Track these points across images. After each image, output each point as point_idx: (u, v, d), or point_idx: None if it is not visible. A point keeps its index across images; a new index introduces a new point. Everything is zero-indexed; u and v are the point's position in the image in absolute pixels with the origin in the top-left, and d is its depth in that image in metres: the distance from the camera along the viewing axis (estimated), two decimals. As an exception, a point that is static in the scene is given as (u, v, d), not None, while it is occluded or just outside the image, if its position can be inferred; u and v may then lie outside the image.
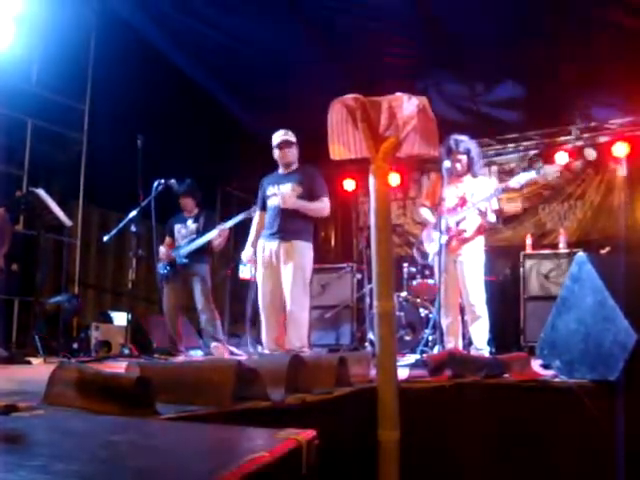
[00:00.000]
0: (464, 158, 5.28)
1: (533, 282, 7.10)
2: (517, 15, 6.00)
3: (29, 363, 4.52)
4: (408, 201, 9.55)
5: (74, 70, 6.89)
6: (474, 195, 5.23)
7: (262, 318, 5.21)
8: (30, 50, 6.46)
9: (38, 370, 3.90)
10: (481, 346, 5.11)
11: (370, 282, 6.90)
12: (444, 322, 5.17)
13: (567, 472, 2.93)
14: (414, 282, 7.19)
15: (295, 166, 5.31)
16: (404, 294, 7.06)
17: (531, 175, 5.41)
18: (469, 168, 5.33)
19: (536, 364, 3.55)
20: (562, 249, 7.36)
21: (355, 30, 6.53)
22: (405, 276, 7.26)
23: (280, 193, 5.15)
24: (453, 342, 5.17)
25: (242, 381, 2.20)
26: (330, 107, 2.41)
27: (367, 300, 7.21)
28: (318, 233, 5.52)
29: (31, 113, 6.63)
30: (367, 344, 6.90)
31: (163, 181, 5.67)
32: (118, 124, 6.62)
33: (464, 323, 5.43)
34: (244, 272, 8.24)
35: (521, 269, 7.22)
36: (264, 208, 5.35)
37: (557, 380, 3.20)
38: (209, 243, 6.02)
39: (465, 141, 5.31)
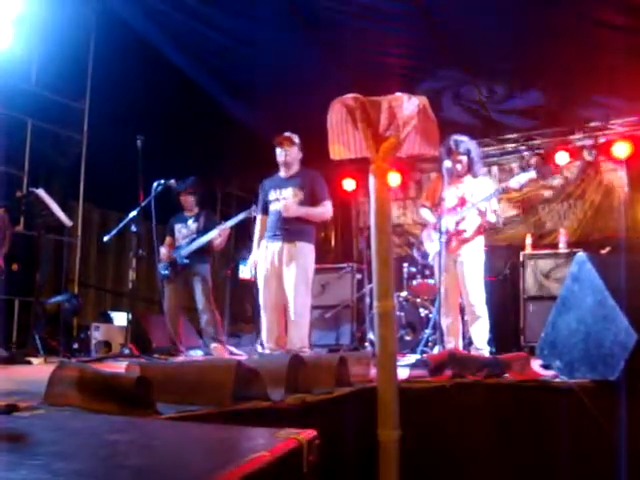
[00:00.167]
0: (464, 158, 5.28)
1: (533, 282, 7.10)
2: (516, 14, 6.00)
3: (29, 363, 4.53)
4: (408, 201, 9.54)
5: (74, 70, 6.89)
6: (474, 195, 5.23)
7: (263, 318, 5.23)
8: (30, 50, 6.47)
9: (38, 370, 3.90)
10: (481, 346, 5.11)
11: (370, 282, 6.90)
12: (444, 322, 5.17)
13: (568, 472, 2.93)
14: (414, 282, 7.18)
15: (296, 169, 5.32)
16: (404, 294, 7.06)
17: (531, 175, 5.41)
18: (469, 168, 5.33)
19: (536, 364, 3.55)
20: (562, 249, 7.36)
21: (356, 31, 6.53)
22: (405, 276, 7.26)
23: (282, 198, 5.18)
24: (453, 342, 5.18)
25: (242, 381, 2.21)
26: (330, 107, 2.41)
27: (367, 300, 7.22)
28: (318, 233, 5.52)
29: (31, 113, 6.63)
30: (367, 344, 6.91)
31: (163, 181, 5.66)
32: (118, 124, 6.62)
33: (464, 323, 5.43)
34: (244, 272, 8.25)
35: (521, 269, 7.22)
36: (265, 212, 5.37)
37: (557, 380, 3.20)
38: (210, 243, 6.02)
39: (465, 141, 5.31)
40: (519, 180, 5.31)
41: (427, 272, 7.02)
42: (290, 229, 5.10)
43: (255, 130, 8.21)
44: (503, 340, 6.61)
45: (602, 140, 8.14)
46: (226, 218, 6.26)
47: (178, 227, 6.31)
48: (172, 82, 7.34)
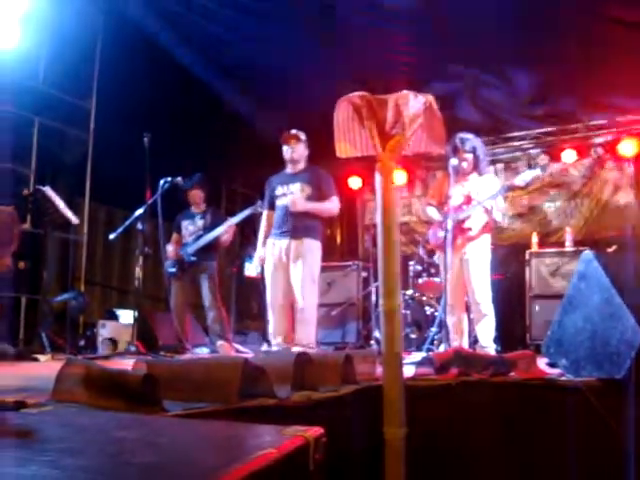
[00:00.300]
0: (470, 156, 5.28)
1: (539, 280, 7.08)
2: (517, 7, 5.99)
3: (36, 360, 4.55)
4: (414, 199, 9.54)
5: (81, 69, 6.92)
6: (480, 193, 5.23)
7: (270, 316, 5.26)
8: (37, 48, 6.48)
9: (45, 367, 3.91)
10: (487, 344, 5.11)
11: (376, 280, 6.90)
12: (450, 320, 5.17)
13: (575, 471, 2.92)
14: (420, 280, 7.18)
15: (303, 166, 5.38)
16: (410, 292, 7.06)
17: (536, 172, 5.40)
18: (475, 166, 5.33)
19: (542, 362, 3.54)
20: (568, 247, 7.35)
21: (364, 29, 6.53)
22: (411, 274, 7.26)
23: (289, 193, 5.20)
24: (459, 340, 5.17)
25: (248, 379, 2.21)
26: (336, 105, 2.42)
27: (373, 298, 7.22)
28: (324, 230, 5.55)
29: (38, 111, 6.64)
30: (373, 342, 6.91)
31: (169, 179, 5.68)
32: (124, 122, 6.63)
33: (470, 321, 5.43)
34: (250, 270, 8.25)
35: (527, 267, 7.20)
36: (271, 207, 5.40)
37: (563, 379, 3.19)
38: (216, 240, 6.04)
39: (471, 139, 5.31)
40: (524, 178, 5.30)
41: (433, 270, 7.01)
42: (297, 225, 5.14)
43: (261, 128, 8.22)
44: (509, 338, 6.60)
45: (609, 138, 8.12)
46: (231, 215, 6.28)
47: (185, 224, 6.32)
48: (178, 80, 7.34)
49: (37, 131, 6.68)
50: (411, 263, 7.32)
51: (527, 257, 7.25)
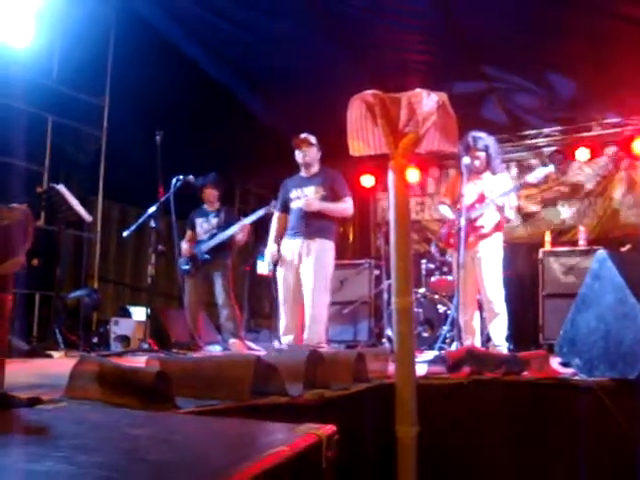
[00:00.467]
0: (482, 155, 5.27)
1: (552, 279, 7.04)
2: (522, 9, 5.97)
3: (50, 356, 4.57)
4: (427, 197, 9.52)
5: (94, 67, 6.93)
6: (493, 192, 5.22)
7: (282, 314, 5.30)
8: (51, 46, 6.51)
9: (59, 363, 3.94)
10: (499, 343, 5.10)
11: (388, 278, 6.90)
12: (462, 319, 5.15)
13: (587, 471, 2.91)
14: (432, 278, 7.17)
15: (316, 168, 5.46)
16: (422, 290, 7.05)
17: (549, 170, 5.37)
18: (488, 165, 5.31)
19: (555, 362, 3.53)
20: (582, 246, 7.30)
21: (378, 28, 6.52)
22: (423, 272, 7.24)
23: (304, 196, 5.27)
24: (471, 339, 5.16)
25: (261, 376, 2.22)
26: (349, 103, 2.42)
27: (385, 296, 7.21)
28: (337, 230, 5.58)
29: (51, 109, 6.67)
30: (385, 340, 6.90)
31: (182, 177, 5.69)
32: (137, 120, 6.65)
33: (482, 320, 5.41)
34: (262, 268, 8.26)
35: (540, 266, 7.16)
36: (285, 210, 5.47)
37: (576, 378, 3.18)
38: (231, 238, 6.06)
39: (484, 138, 5.29)
40: (537, 175, 5.28)
41: (445, 268, 7.00)
42: (311, 226, 5.21)
43: (274, 127, 8.23)
44: (522, 337, 6.58)
45: (623, 136, 8.06)
46: (244, 215, 6.29)
47: (199, 221, 6.34)
48: (191, 78, 7.36)
49: (51, 129, 6.71)
50: (423, 261, 7.30)
51: (540, 256, 7.21)
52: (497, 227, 5.25)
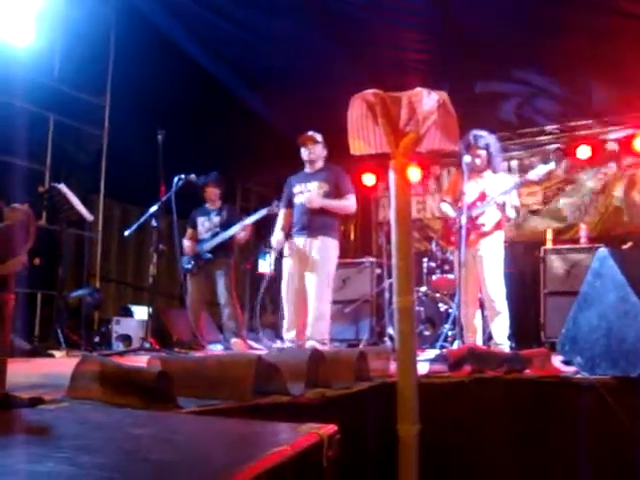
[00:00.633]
0: (483, 153, 5.27)
1: (554, 277, 7.02)
2: (521, 7, 5.97)
3: (52, 356, 4.58)
4: (428, 196, 9.51)
5: (95, 66, 6.94)
6: (494, 190, 5.21)
7: (285, 312, 5.33)
8: (52, 46, 6.52)
9: (61, 363, 3.94)
10: (501, 341, 5.09)
11: (390, 277, 6.89)
12: (464, 317, 5.15)
13: (589, 469, 2.91)
14: (434, 277, 7.16)
15: (321, 165, 5.49)
16: (424, 289, 7.04)
17: (550, 167, 5.36)
18: (489, 163, 5.31)
19: (557, 360, 3.53)
20: (583, 244, 7.29)
21: (376, 26, 6.51)
22: (425, 271, 7.24)
23: (307, 191, 5.30)
24: (473, 337, 5.16)
25: (262, 376, 2.22)
26: (350, 102, 2.41)
27: (386, 295, 7.20)
28: (339, 226, 5.61)
29: (53, 108, 6.68)
30: (386, 339, 6.90)
31: (183, 176, 5.69)
32: (138, 119, 6.65)
33: (484, 318, 5.41)
34: (263, 266, 8.27)
35: (542, 264, 7.15)
36: (289, 206, 5.50)
37: (578, 376, 3.18)
38: (233, 237, 6.07)
39: (484, 136, 5.29)
40: (538, 172, 5.26)
41: (446, 267, 7.00)
42: (314, 223, 5.24)
43: (275, 126, 8.23)
44: (523, 335, 6.57)
45: (624, 134, 8.05)
46: (247, 213, 6.30)
47: (201, 220, 6.34)
48: (192, 77, 7.36)
49: (52, 128, 6.72)
50: (425, 260, 7.30)
51: (542, 254, 7.19)
52: (498, 225, 5.24)
